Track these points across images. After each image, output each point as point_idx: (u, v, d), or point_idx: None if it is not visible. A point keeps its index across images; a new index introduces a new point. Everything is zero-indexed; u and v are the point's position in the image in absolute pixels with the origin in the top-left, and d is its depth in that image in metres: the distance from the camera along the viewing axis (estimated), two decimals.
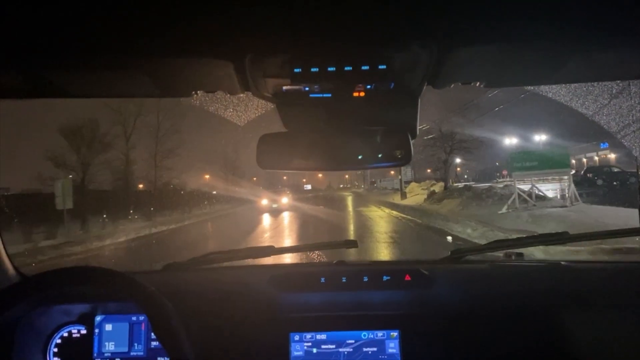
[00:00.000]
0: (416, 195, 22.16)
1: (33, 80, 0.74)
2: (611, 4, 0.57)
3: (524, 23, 0.60)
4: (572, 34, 0.62)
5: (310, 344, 1.10)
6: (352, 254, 5.48)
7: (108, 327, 1.16)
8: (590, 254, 5.43)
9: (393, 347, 1.09)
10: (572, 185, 11.59)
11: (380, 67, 0.67)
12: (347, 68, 0.67)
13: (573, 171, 12.76)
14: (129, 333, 1.16)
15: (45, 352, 1.15)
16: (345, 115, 0.78)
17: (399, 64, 0.68)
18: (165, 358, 1.12)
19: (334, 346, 1.10)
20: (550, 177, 12.24)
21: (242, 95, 0.80)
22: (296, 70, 0.67)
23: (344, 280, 1.17)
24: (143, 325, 1.16)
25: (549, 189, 12.40)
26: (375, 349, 1.09)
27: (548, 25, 0.60)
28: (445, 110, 18.48)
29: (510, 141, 24.16)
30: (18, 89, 0.79)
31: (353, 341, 1.10)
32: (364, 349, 1.09)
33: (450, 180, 22.67)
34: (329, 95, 0.75)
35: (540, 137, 23.17)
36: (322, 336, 1.10)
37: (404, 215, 14.41)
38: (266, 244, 1.38)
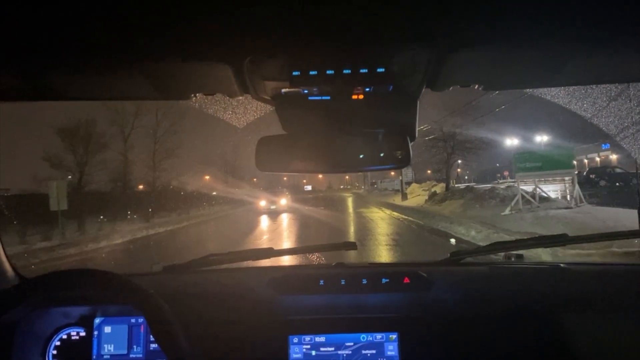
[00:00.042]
0: (417, 196, 22.17)
1: (32, 82, 0.74)
2: (610, 5, 0.57)
3: (523, 26, 0.60)
4: (571, 37, 0.62)
5: (309, 346, 1.10)
6: (352, 256, 5.47)
7: (107, 329, 1.16)
8: (601, 257, 5.36)
9: (392, 349, 1.09)
10: (577, 186, 11.48)
11: (378, 70, 0.67)
12: (346, 71, 0.67)
13: (577, 172, 12.67)
14: (128, 335, 1.16)
15: (45, 354, 1.15)
16: (344, 117, 0.78)
17: (398, 67, 0.69)
18: None
19: (332, 349, 1.10)
20: (554, 178, 12.17)
21: (241, 97, 0.80)
22: (295, 73, 0.68)
23: (343, 282, 1.17)
24: (142, 327, 1.16)
25: (550, 190, 12.36)
26: (374, 351, 1.09)
27: (547, 28, 0.60)
28: (446, 110, 18.53)
29: (512, 142, 24.17)
30: (17, 91, 0.79)
31: (352, 344, 1.10)
32: (363, 352, 1.09)
33: (452, 181, 22.66)
34: (328, 97, 0.75)
35: (541, 138, 23.17)
36: (321, 338, 1.10)
37: (405, 217, 14.40)
38: (265, 246, 1.39)
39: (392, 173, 31.86)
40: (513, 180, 13.21)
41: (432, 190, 20.16)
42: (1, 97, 0.82)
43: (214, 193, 25.77)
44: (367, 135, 0.80)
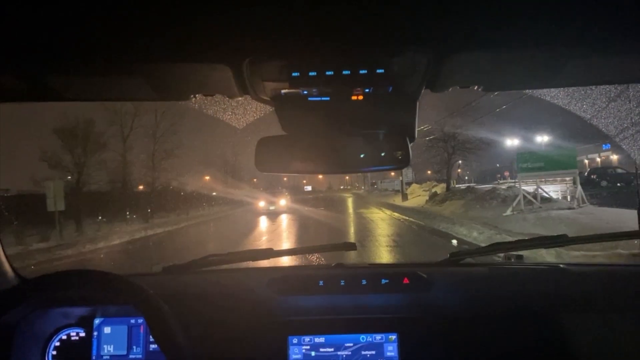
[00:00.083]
0: (417, 196, 22.16)
1: (31, 83, 0.74)
2: (610, 6, 0.57)
3: (522, 27, 0.60)
4: (570, 38, 0.62)
5: (308, 347, 1.10)
6: (351, 257, 5.47)
7: (107, 329, 1.16)
8: (607, 259, 5.34)
9: (391, 350, 1.09)
10: (580, 187, 11.42)
11: (378, 70, 0.67)
12: (346, 72, 0.67)
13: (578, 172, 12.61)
14: (127, 336, 1.16)
15: (44, 355, 1.15)
16: (343, 118, 0.78)
17: (397, 68, 0.69)
18: None
19: (332, 349, 1.10)
20: (555, 179, 12.10)
21: (240, 98, 0.80)
22: (294, 74, 0.68)
23: (342, 283, 1.17)
24: (142, 328, 1.16)
25: (551, 191, 12.32)
26: (373, 352, 1.09)
27: (546, 29, 0.60)
28: (446, 111, 18.52)
29: (512, 142, 24.16)
30: (16, 91, 0.79)
31: (351, 344, 1.10)
32: (363, 352, 1.09)
33: (453, 182, 22.64)
34: (328, 98, 0.75)
35: (542, 138, 23.13)
36: (320, 339, 1.10)
37: (406, 217, 14.39)
38: (264, 247, 1.39)
39: (392, 173, 31.85)
40: (513, 180, 13.15)
41: (433, 190, 20.14)
42: (1, 97, 0.83)
43: (214, 194, 25.78)
44: (367, 136, 0.80)
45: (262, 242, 9.91)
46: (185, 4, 0.55)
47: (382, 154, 0.79)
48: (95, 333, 1.16)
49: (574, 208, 10.76)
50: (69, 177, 15.81)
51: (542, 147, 20.66)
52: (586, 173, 20.97)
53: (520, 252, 1.31)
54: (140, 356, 1.15)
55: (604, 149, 28.47)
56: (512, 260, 1.32)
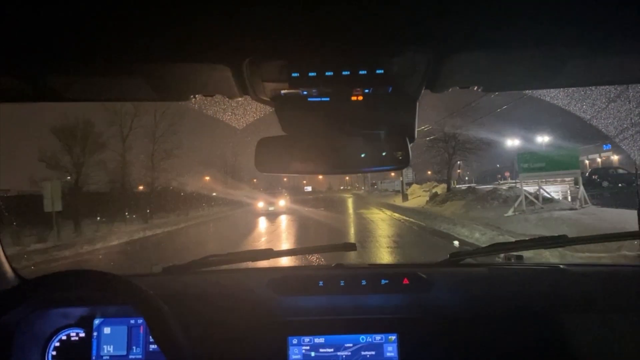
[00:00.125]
0: (418, 197, 22.13)
1: (31, 83, 0.75)
2: (609, 7, 0.57)
3: (522, 28, 0.60)
4: (570, 38, 0.62)
5: (308, 347, 1.10)
6: (351, 258, 5.46)
7: (107, 330, 1.16)
8: (612, 260, 5.31)
9: (391, 350, 1.09)
10: (582, 187, 11.36)
11: (378, 71, 0.67)
12: (345, 72, 0.67)
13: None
14: (127, 336, 1.16)
15: (44, 355, 1.15)
16: (343, 118, 0.78)
17: (397, 69, 0.69)
18: None
19: (332, 350, 1.10)
20: (559, 179, 12.04)
21: (240, 98, 0.81)
22: (294, 74, 0.68)
23: (342, 283, 1.17)
24: (142, 328, 1.16)
25: (552, 191, 12.28)
26: (373, 352, 1.09)
27: (546, 30, 0.60)
28: (446, 112, 18.51)
29: (512, 143, 24.13)
30: (16, 92, 0.79)
31: (351, 345, 1.10)
32: (362, 353, 1.09)
33: (453, 182, 22.63)
34: (327, 99, 0.75)
35: (542, 139, 23.11)
36: (320, 340, 1.10)
37: (407, 218, 14.37)
38: (264, 247, 1.39)
39: (393, 174, 31.87)
40: (514, 181, 13.12)
41: (433, 191, 20.11)
42: (1, 97, 0.83)
43: (214, 194, 25.75)
44: (367, 136, 0.80)
45: (262, 243, 9.89)
46: (185, 4, 0.55)
47: (382, 155, 0.79)
48: (95, 333, 1.16)
49: (576, 209, 10.69)
50: (68, 178, 15.78)
51: (542, 147, 20.62)
52: (587, 173, 20.95)
53: (521, 253, 1.31)
54: (140, 356, 1.15)
55: (604, 149, 28.44)
56: (512, 260, 1.32)
